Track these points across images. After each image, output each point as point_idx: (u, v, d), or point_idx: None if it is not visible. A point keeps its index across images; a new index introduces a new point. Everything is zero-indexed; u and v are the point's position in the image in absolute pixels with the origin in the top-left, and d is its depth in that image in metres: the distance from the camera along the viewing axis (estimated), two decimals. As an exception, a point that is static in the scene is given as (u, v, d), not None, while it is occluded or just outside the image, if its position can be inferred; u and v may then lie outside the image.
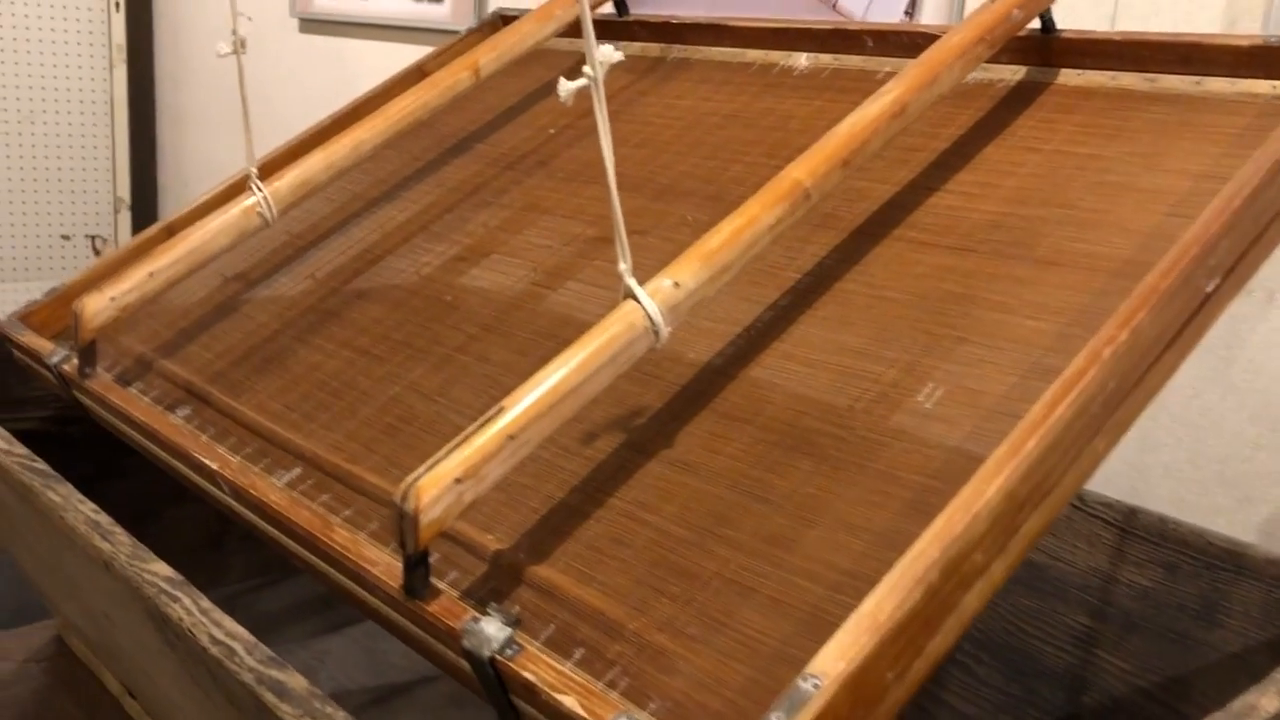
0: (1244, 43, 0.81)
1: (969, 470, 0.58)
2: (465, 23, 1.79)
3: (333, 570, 0.73)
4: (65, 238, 2.64)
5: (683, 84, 1.12)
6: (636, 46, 1.20)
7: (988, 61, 0.89)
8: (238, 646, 0.65)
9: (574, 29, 1.19)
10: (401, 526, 0.62)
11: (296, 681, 0.61)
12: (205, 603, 0.70)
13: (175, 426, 0.92)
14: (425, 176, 1.17)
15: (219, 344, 1.02)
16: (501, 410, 0.65)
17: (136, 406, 0.94)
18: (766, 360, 0.77)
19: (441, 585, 0.67)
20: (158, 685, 0.89)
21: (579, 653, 0.62)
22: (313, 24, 2.21)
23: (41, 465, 0.89)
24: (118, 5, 2.60)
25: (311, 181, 1.05)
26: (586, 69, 0.62)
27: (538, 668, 0.59)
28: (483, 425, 0.64)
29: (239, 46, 0.93)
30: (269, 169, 1.09)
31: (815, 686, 0.50)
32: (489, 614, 0.63)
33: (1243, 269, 0.70)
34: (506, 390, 0.67)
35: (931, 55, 0.84)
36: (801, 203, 0.76)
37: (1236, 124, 0.79)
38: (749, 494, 0.68)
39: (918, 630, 0.54)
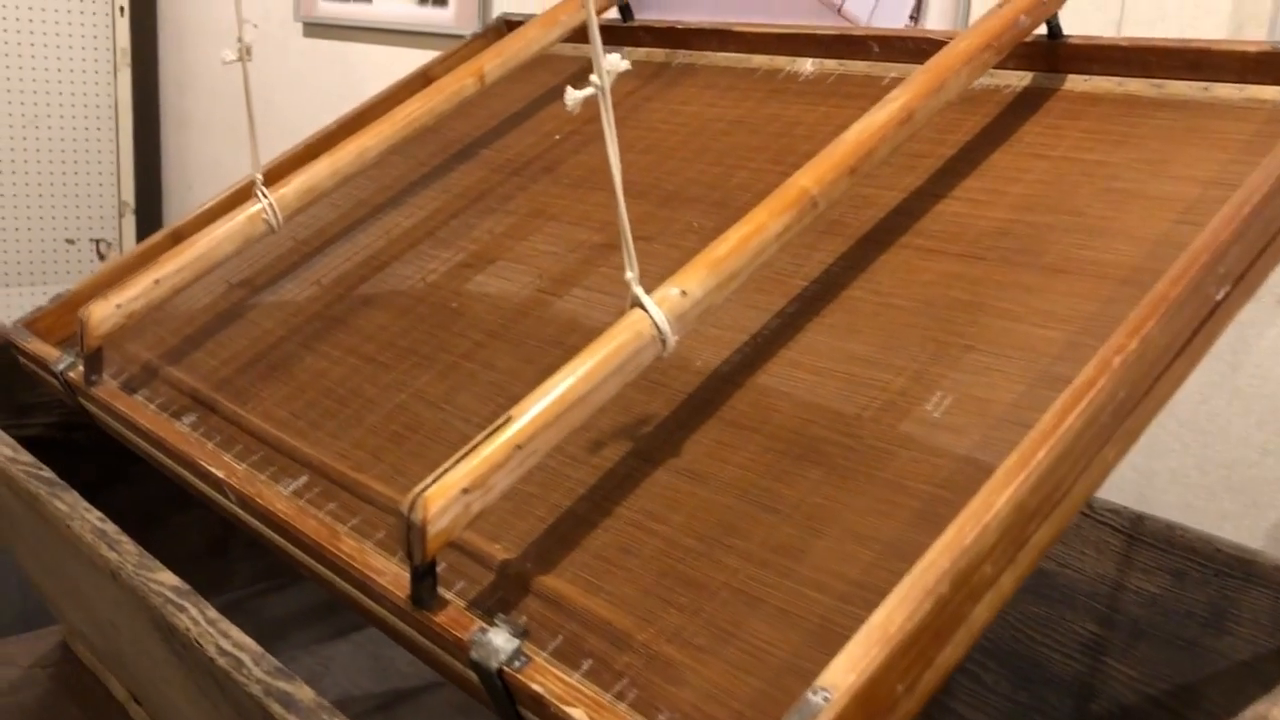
0: (1252, 49, 0.81)
1: (978, 480, 0.58)
2: (470, 28, 1.79)
3: (339, 579, 0.73)
4: (70, 242, 2.64)
5: (688, 90, 1.12)
6: (641, 52, 1.20)
7: (994, 67, 0.89)
8: (245, 657, 0.65)
9: (579, 34, 1.19)
10: (409, 537, 0.62)
11: (304, 693, 0.61)
12: (212, 613, 0.70)
13: (181, 434, 0.91)
14: (431, 183, 1.17)
15: (224, 351, 1.02)
16: (509, 420, 0.65)
17: (142, 414, 0.94)
18: (774, 368, 0.77)
19: (449, 595, 0.66)
20: (164, 693, 0.89)
21: (587, 664, 0.62)
22: (317, 28, 2.21)
23: (48, 473, 0.89)
24: (122, 9, 2.61)
25: (317, 188, 1.05)
26: (593, 78, 0.61)
27: (546, 679, 0.59)
28: (490, 435, 0.64)
29: (244, 54, 0.93)
30: (274, 175, 1.09)
31: (825, 699, 0.50)
32: (497, 625, 0.63)
33: (1253, 276, 0.69)
34: (512, 397, 0.67)
35: (938, 61, 0.84)
36: (809, 211, 0.76)
37: (1245, 130, 0.79)
38: (757, 503, 0.68)
39: (928, 642, 0.53)
